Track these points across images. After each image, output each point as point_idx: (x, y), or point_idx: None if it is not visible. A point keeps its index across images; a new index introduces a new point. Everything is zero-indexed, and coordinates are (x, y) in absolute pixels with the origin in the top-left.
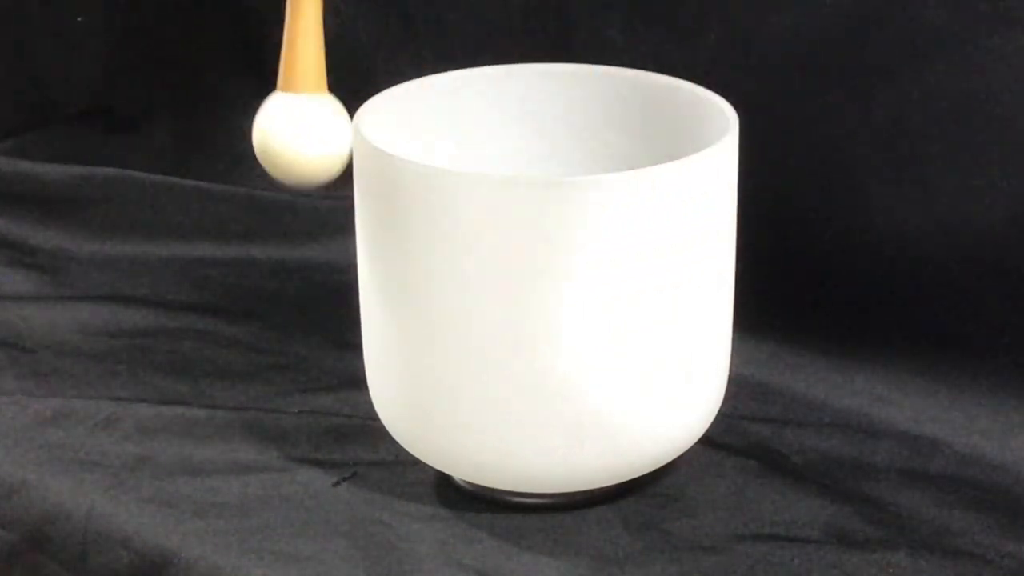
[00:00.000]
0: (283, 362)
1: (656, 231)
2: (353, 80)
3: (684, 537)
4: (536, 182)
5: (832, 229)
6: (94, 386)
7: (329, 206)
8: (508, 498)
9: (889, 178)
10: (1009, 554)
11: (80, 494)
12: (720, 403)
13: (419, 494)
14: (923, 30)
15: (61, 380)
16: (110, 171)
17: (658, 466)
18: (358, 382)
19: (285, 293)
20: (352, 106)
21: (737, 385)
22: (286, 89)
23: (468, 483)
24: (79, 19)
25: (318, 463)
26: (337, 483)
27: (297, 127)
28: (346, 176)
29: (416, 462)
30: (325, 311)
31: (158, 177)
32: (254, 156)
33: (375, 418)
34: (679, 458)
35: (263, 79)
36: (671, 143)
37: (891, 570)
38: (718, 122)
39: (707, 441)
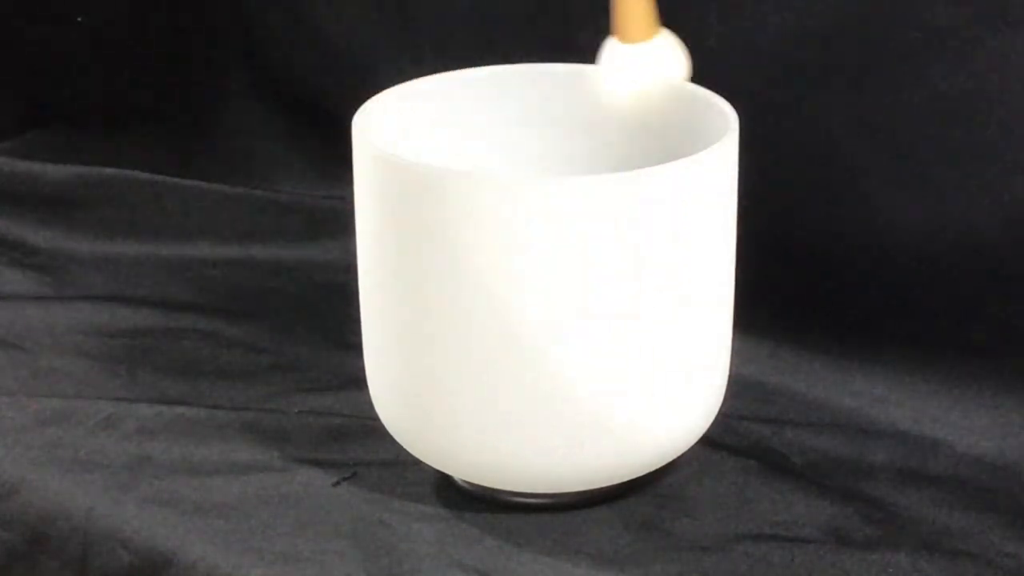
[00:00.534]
0: (283, 362)
1: (656, 231)
2: (353, 80)
3: (684, 537)
4: (536, 182)
5: (832, 229)
6: (94, 386)
7: (329, 206)
8: (508, 498)
9: (889, 178)
10: (1009, 554)
11: (80, 494)
12: (720, 403)
13: (419, 494)
14: (923, 30)
15: (61, 380)
16: (110, 171)
17: (658, 466)
18: (358, 382)
19: (285, 293)
20: (352, 106)
21: (737, 385)
22: (624, 39)
23: (468, 483)
24: (79, 19)
25: (318, 463)
26: (337, 483)
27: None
28: (346, 176)
29: (416, 462)
30: (325, 311)
31: (158, 177)
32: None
33: (375, 418)
34: (679, 458)
35: (263, 79)
36: (671, 143)
37: (891, 570)
38: (718, 122)
39: (707, 441)
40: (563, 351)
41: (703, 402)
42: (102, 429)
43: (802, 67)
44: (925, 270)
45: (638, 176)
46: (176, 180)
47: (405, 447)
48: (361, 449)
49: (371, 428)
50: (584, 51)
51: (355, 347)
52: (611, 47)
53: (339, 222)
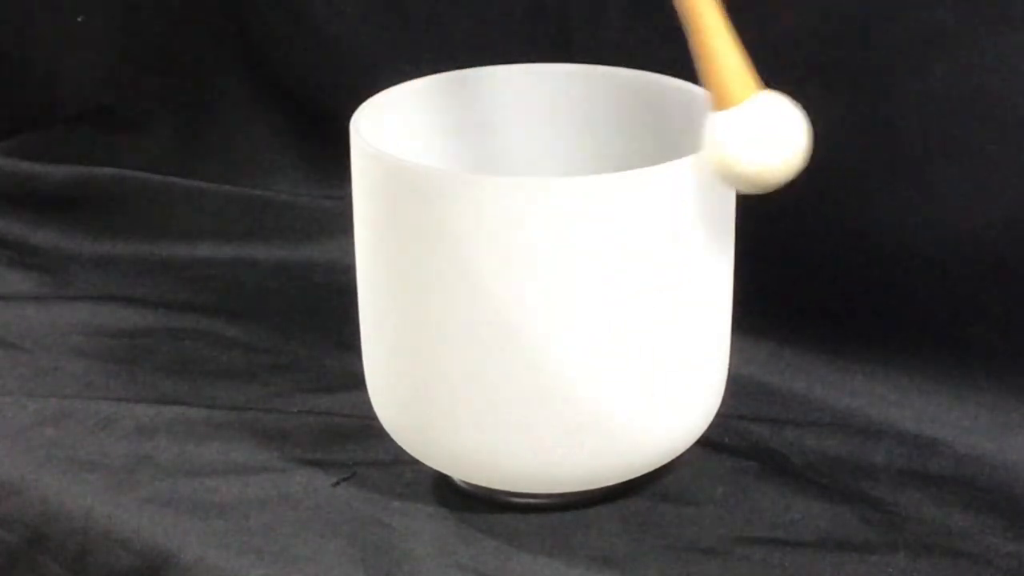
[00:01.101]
0: (283, 362)
1: (655, 231)
2: (353, 80)
3: (683, 537)
4: (535, 183)
5: (832, 229)
6: (94, 386)
7: (329, 206)
8: (507, 498)
9: (889, 178)
10: (1009, 554)
11: (80, 494)
12: (719, 403)
13: (418, 494)
14: (923, 30)
15: (61, 380)
16: (110, 171)
17: (658, 466)
18: (358, 382)
19: (285, 293)
20: (352, 106)
21: (737, 385)
22: (723, 106)
23: (467, 483)
24: (79, 19)
25: (318, 463)
26: (337, 483)
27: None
28: (345, 176)
29: (415, 462)
30: (325, 311)
31: (158, 177)
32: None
33: (375, 418)
34: (679, 458)
35: (263, 79)
36: (670, 143)
37: (891, 570)
38: None
39: (707, 441)
40: (563, 351)
41: (702, 402)
42: (102, 429)
43: (802, 67)
44: (925, 270)
45: (638, 176)
46: (176, 180)
47: (404, 447)
48: (360, 449)
49: (371, 428)
50: (584, 51)
51: (354, 347)
52: (712, 121)
53: (339, 222)
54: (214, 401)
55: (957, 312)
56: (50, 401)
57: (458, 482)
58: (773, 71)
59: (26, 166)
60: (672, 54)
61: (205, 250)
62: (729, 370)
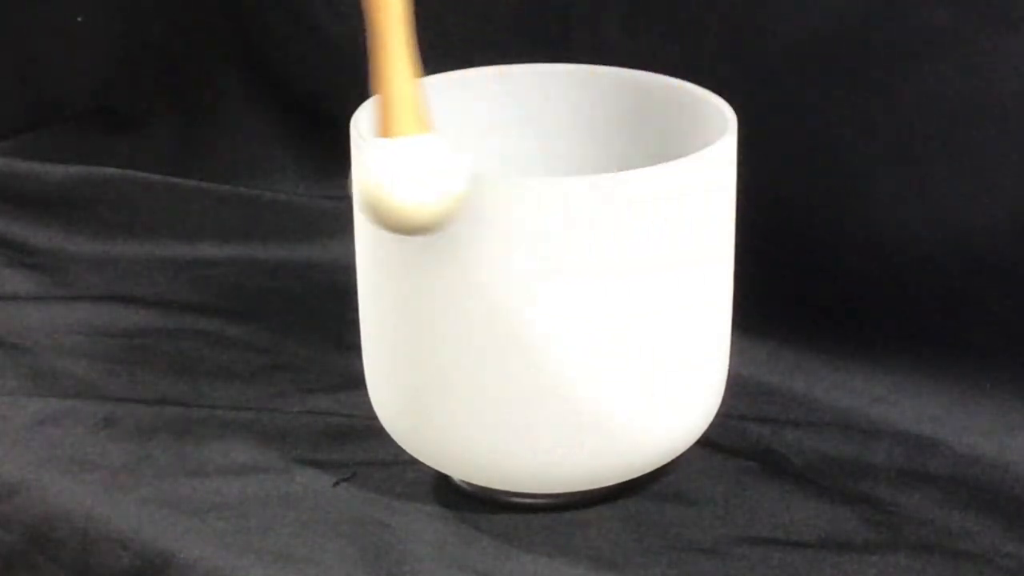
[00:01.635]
0: (283, 362)
1: (656, 231)
2: (353, 80)
3: (683, 537)
4: (535, 182)
5: (832, 229)
6: (94, 386)
7: (329, 206)
8: (507, 498)
9: (889, 178)
10: (1009, 554)
11: (80, 494)
12: (719, 403)
13: (418, 494)
14: (923, 30)
15: (61, 380)
16: (110, 171)
17: (658, 466)
18: (358, 382)
19: (285, 293)
20: (352, 106)
21: (737, 385)
22: (386, 135)
23: (467, 483)
24: (79, 19)
25: (318, 463)
26: (337, 483)
27: (404, 175)
28: (346, 176)
29: (415, 462)
30: (325, 311)
31: (158, 177)
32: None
33: (375, 418)
34: (679, 458)
35: (263, 79)
36: (671, 143)
37: (891, 571)
38: (718, 122)
39: (707, 441)
40: (563, 351)
41: (702, 402)
42: (102, 429)
43: (802, 67)
44: (925, 270)
45: (638, 176)
46: (176, 180)
47: (404, 447)
48: (361, 449)
49: (371, 428)
50: (584, 51)
51: (355, 347)
52: (374, 146)
53: (339, 222)
54: (214, 401)
55: (957, 312)
56: (50, 401)
57: (458, 482)
58: (773, 71)
59: (26, 166)
60: (672, 54)
61: (205, 250)
62: (729, 370)
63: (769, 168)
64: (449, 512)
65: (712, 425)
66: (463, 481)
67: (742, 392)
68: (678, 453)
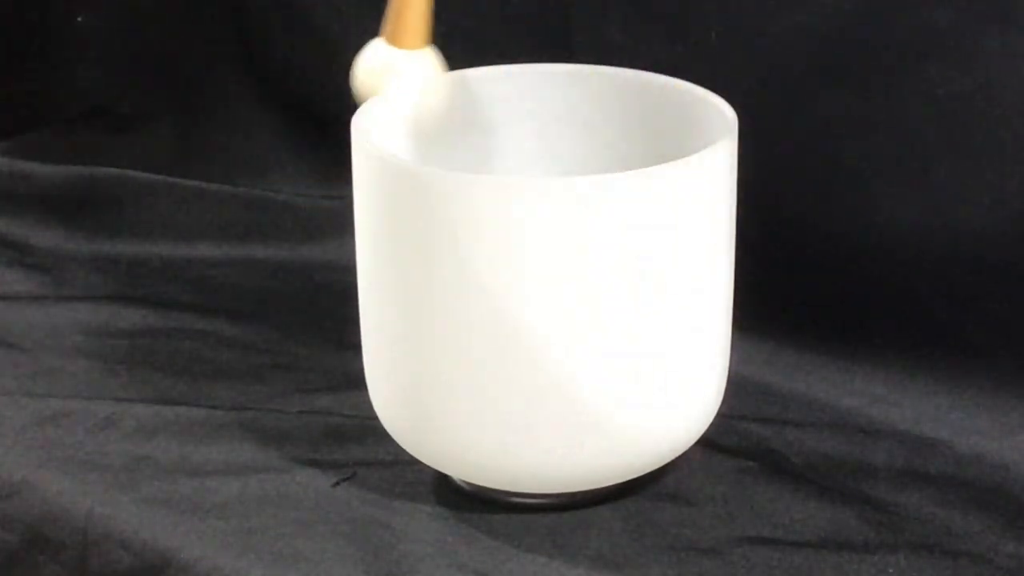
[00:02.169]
0: (283, 362)
1: (656, 231)
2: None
3: (683, 538)
4: (535, 182)
5: (832, 229)
6: (94, 386)
7: (329, 206)
8: (507, 498)
9: (889, 178)
10: (1009, 554)
11: (80, 494)
12: (719, 403)
13: (418, 494)
14: (923, 30)
15: (61, 380)
16: (110, 171)
17: (658, 466)
18: (358, 382)
19: (285, 293)
20: (352, 106)
21: (737, 385)
22: (393, 43)
23: (467, 483)
24: (79, 19)
25: (318, 463)
26: (337, 483)
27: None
28: (345, 176)
29: (415, 462)
30: (325, 311)
31: (158, 177)
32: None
33: (375, 418)
34: (679, 458)
35: (263, 79)
36: (671, 143)
37: (891, 570)
38: (718, 122)
39: (707, 441)
40: (563, 351)
41: (703, 402)
42: (102, 429)
43: (802, 67)
44: (925, 269)
45: (638, 176)
46: (176, 180)
47: (404, 447)
48: (361, 449)
49: (371, 428)
50: (585, 51)
51: (354, 347)
52: (376, 47)
53: (339, 222)
54: (214, 401)
55: (957, 312)
56: (50, 401)
57: (458, 482)
58: (773, 71)
59: (26, 166)
60: (672, 54)
61: (205, 250)
62: (729, 370)
63: (769, 168)
64: (449, 512)
65: (712, 425)
66: (463, 481)
67: (742, 392)
68: (678, 453)
